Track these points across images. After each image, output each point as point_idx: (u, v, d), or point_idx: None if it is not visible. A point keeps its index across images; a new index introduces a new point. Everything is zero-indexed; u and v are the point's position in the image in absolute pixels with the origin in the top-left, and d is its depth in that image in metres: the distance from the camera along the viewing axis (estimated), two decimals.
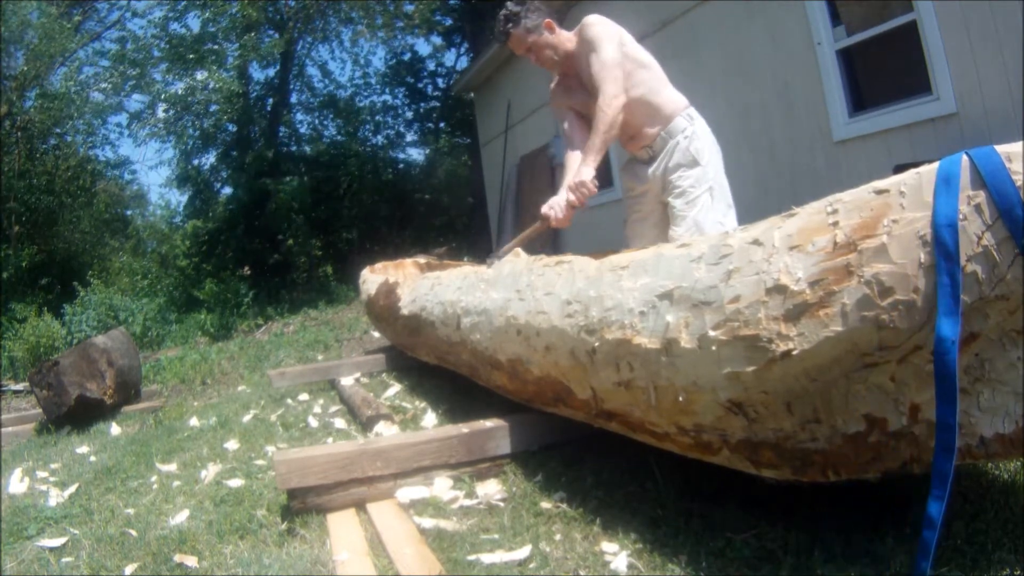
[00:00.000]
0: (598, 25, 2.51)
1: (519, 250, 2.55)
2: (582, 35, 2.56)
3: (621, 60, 2.45)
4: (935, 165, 1.10)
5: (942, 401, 1.09)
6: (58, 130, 14.35)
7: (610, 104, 2.38)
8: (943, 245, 1.05)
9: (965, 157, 1.07)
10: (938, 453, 1.11)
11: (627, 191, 2.79)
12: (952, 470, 1.11)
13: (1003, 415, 1.17)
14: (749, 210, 2.58)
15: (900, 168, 1.29)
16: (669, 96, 2.58)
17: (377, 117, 17.08)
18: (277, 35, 13.92)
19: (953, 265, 1.05)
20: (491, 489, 2.07)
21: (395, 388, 3.85)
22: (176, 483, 2.59)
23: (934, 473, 1.12)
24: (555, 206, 2.53)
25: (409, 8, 15.29)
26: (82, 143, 15.30)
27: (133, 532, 2.08)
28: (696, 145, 2.52)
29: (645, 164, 2.64)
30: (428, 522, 1.88)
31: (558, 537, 1.70)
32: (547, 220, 2.55)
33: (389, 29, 15.43)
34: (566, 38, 2.65)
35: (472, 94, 12.72)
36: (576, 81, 2.67)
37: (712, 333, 1.34)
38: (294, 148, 15.47)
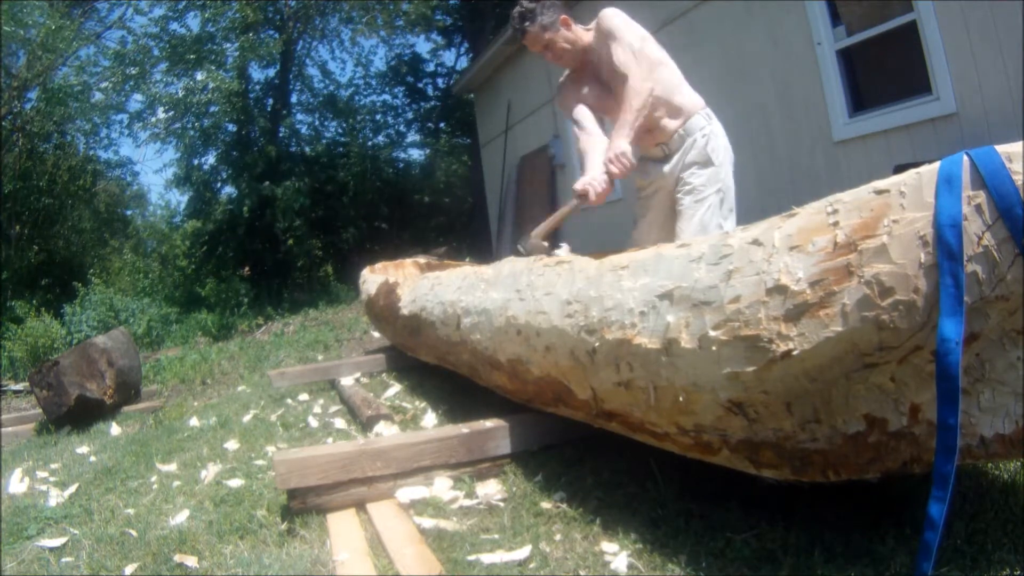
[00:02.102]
0: (617, 17, 2.48)
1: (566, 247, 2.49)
2: (600, 27, 2.51)
3: (641, 50, 2.42)
4: (935, 165, 1.10)
5: (943, 402, 1.09)
6: (59, 130, 14.36)
7: (642, 84, 2.35)
8: (946, 245, 1.05)
9: (965, 157, 1.07)
10: (939, 454, 1.11)
11: (637, 191, 2.76)
12: (953, 471, 1.10)
13: (1003, 415, 1.17)
14: (749, 210, 2.58)
15: (900, 168, 1.29)
16: (687, 94, 2.55)
17: (377, 117, 17.10)
18: (276, 35, 13.92)
19: (956, 265, 1.04)
20: (491, 489, 2.07)
21: (395, 388, 3.85)
22: (176, 483, 2.58)
23: (935, 474, 1.11)
24: (592, 182, 2.40)
25: (408, 7, 15.32)
26: (83, 143, 15.33)
27: (133, 532, 2.08)
28: (713, 144, 2.50)
29: (659, 162, 2.61)
30: (428, 522, 1.88)
31: (558, 537, 1.70)
32: (585, 197, 2.41)
33: (389, 26, 15.45)
34: (582, 33, 2.61)
35: (472, 94, 12.73)
36: (591, 76, 2.62)
37: (712, 333, 1.34)
38: (294, 148, 15.47)
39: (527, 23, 2.57)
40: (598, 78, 2.60)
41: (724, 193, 2.50)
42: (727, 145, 2.57)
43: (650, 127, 2.55)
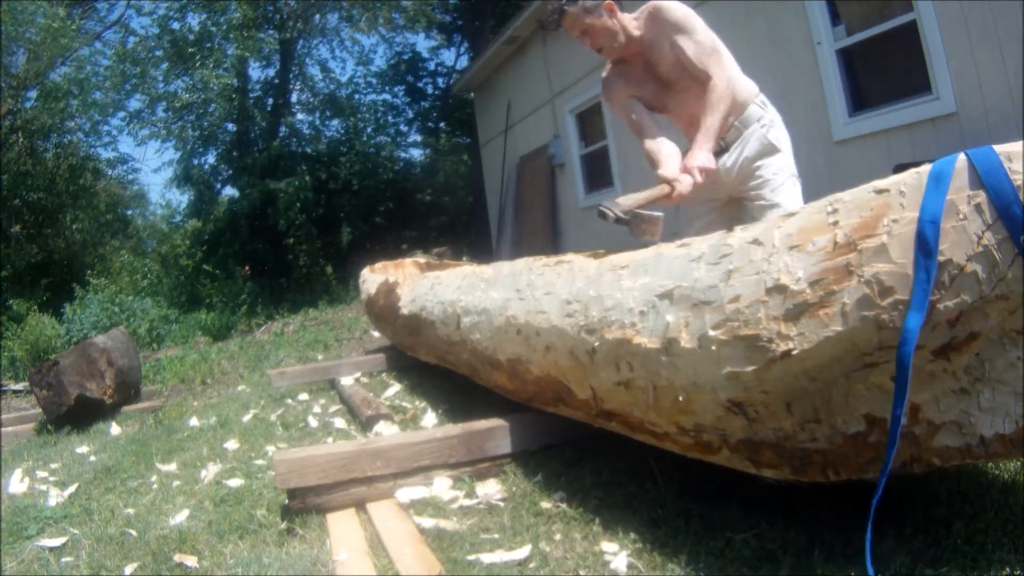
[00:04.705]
0: (680, 8, 2.35)
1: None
2: (660, 18, 2.37)
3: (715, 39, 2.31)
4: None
5: (896, 391, 1.12)
6: (58, 129, 14.36)
7: (728, 87, 2.26)
8: (923, 241, 1.07)
9: (962, 156, 1.08)
10: (889, 444, 1.15)
11: None
12: (891, 459, 1.14)
13: (1003, 415, 1.17)
14: None
15: (900, 168, 1.29)
16: (741, 84, 2.43)
17: (378, 116, 17.09)
18: (276, 34, 13.93)
19: (930, 261, 1.07)
20: (491, 489, 2.07)
21: (395, 388, 3.85)
22: (176, 483, 2.58)
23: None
24: (679, 181, 2.28)
25: (408, 4, 15.34)
26: (83, 144, 15.33)
27: (133, 532, 2.08)
28: (775, 133, 2.41)
29: (716, 155, 2.43)
30: (428, 522, 1.87)
31: (558, 537, 1.70)
32: (672, 189, 2.27)
33: (389, 23, 15.48)
34: (628, 23, 2.45)
35: (472, 93, 12.72)
36: (642, 70, 2.47)
37: (712, 333, 1.34)
38: (295, 148, 15.47)
39: (566, 2, 2.41)
40: (652, 73, 2.45)
41: (796, 177, 2.41)
42: (785, 130, 2.47)
43: None
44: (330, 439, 2.94)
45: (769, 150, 2.39)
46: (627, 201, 2.18)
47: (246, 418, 3.66)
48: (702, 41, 2.30)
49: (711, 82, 2.27)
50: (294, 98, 16.31)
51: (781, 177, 2.38)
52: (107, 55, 13.92)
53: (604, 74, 2.62)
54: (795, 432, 1.31)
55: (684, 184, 2.23)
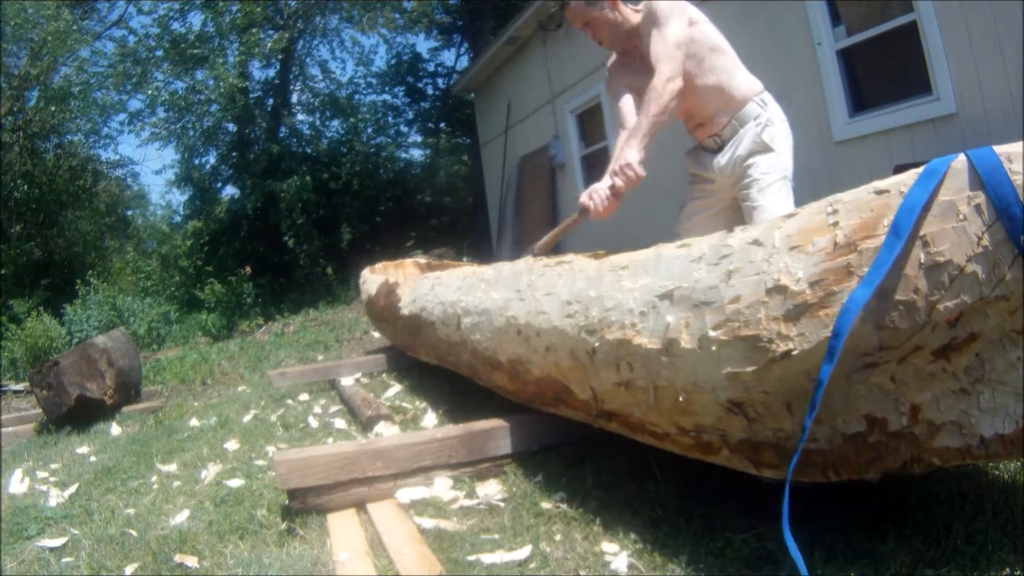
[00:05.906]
0: (667, 3, 2.31)
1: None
2: (648, 8, 2.38)
3: (686, 41, 2.29)
4: None
5: (825, 359, 1.15)
6: (59, 130, 14.37)
7: (665, 87, 2.22)
8: (896, 224, 1.09)
9: (962, 156, 1.08)
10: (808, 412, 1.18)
11: (689, 176, 2.63)
12: (808, 427, 1.18)
13: (1003, 415, 1.17)
14: None
15: (900, 168, 1.29)
16: (742, 81, 2.41)
17: (378, 116, 17.08)
18: (275, 33, 13.92)
19: (896, 242, 1.09)
20: (491, 489, 2.07)
21: (395, 388, 3.85)
22: (176, 483, 2.59)
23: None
24: (595, 194, 2.32)
25: (409, 6, 15.35)
26: (83, 144, 15.33)
27: (133, 532, 2.08)
28: (770, 132, 2.38)
29: (712, 153, 2.47)
30: (428, 522, 1.88)
31: (558, 537, 1.70)
32: (585, 212, 2.35)
33: (390, 23, 15.48)
34: (630, 14, 2.47)
35: (472, 94, 12.73)
36: (639, 60, 2.47)
37: (712, 333, 1.34)
38: (295, 148, 15.46)
39: None
40: (648, 64, 2.42)
41: (789, 179, 2.39)
42: (787, 129, 2.44)
43: (702, 121, 2.44)
44: (330, 439, 2.94)
45: (761, 149, 2.37)
46: (543, 241, 2.52)
47: (246, 418, 3.66)
48: (666, 38, 2.27)
49: (652, 81, 2.24)
50: (294, 98, 16.31)
51: (770, 178, 2.35)
52: (107, 55, 13.92)
53: (609, 62, 2.64)
54: (795, 432, 1.31)
55: (596, 202, 2.29)
